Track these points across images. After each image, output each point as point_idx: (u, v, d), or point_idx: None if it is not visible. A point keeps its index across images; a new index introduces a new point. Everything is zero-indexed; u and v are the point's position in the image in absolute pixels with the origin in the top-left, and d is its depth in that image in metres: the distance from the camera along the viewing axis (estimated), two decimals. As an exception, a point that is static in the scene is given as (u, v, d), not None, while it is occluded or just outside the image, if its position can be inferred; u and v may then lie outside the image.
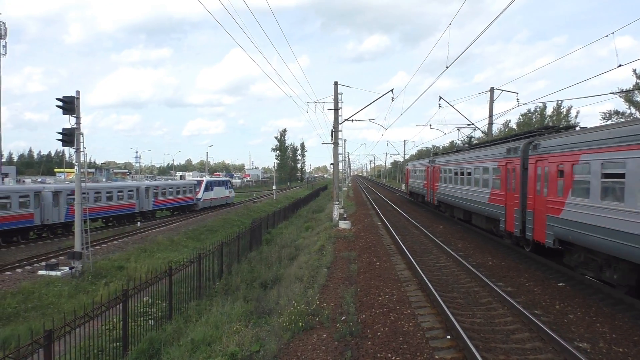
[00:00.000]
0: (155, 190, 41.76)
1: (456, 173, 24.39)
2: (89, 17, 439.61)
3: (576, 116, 61.26)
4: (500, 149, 18.05)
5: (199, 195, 49.79)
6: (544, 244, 13.74)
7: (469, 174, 21.90)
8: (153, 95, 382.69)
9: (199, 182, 51.15)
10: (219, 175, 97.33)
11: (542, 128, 17.51)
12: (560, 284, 12.20)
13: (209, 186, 51.98)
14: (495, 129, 49.24)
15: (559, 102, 61.94)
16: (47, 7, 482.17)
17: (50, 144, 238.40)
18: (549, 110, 63.45)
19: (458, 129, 33.55)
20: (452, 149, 38.31)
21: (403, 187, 66.68)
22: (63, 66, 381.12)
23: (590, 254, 11.66)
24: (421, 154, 47.91)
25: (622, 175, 9.91)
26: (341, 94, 28.42)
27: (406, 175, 46.63)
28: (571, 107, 61.81)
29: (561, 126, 17.44)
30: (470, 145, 28.75)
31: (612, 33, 15.83)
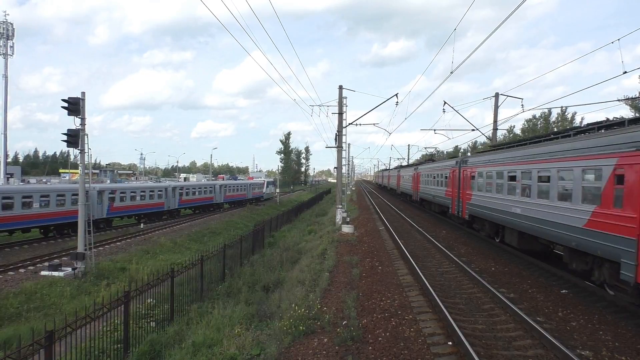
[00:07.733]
0: (252, 186, 66.59)
1: (428, 176, 34.26)
2: (117, 19, 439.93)
3: (581, 122, 61.02)
4: (450, 162, 29.19)
5: (264, 190, 71.75)
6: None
7: (434, 176, 32.07)
8: (169, 97, 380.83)
9: (264, 182, 75.08)
10: (223, 178, 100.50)
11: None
12: (564, 291, 12.14)
13: (268, 185, 75.42)
14: (500, 134, 50.07)
15: (564, 108, 61.82)
16: (76, 8, 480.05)
17: (57, 145, 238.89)
18: (554, 117, 63.33)
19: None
20: (419, 161, 57.40)
21: (373, 181, 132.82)
22: (85, 67, 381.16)
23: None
24: (402, 164, 71.28)
25: (475, 178, 20.60)
26: (345, 97, 28.37)
27: (387, 179, 70.94)
28: (575, 113, 61.68)
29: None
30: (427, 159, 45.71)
31: (618, 40, 15.83)
